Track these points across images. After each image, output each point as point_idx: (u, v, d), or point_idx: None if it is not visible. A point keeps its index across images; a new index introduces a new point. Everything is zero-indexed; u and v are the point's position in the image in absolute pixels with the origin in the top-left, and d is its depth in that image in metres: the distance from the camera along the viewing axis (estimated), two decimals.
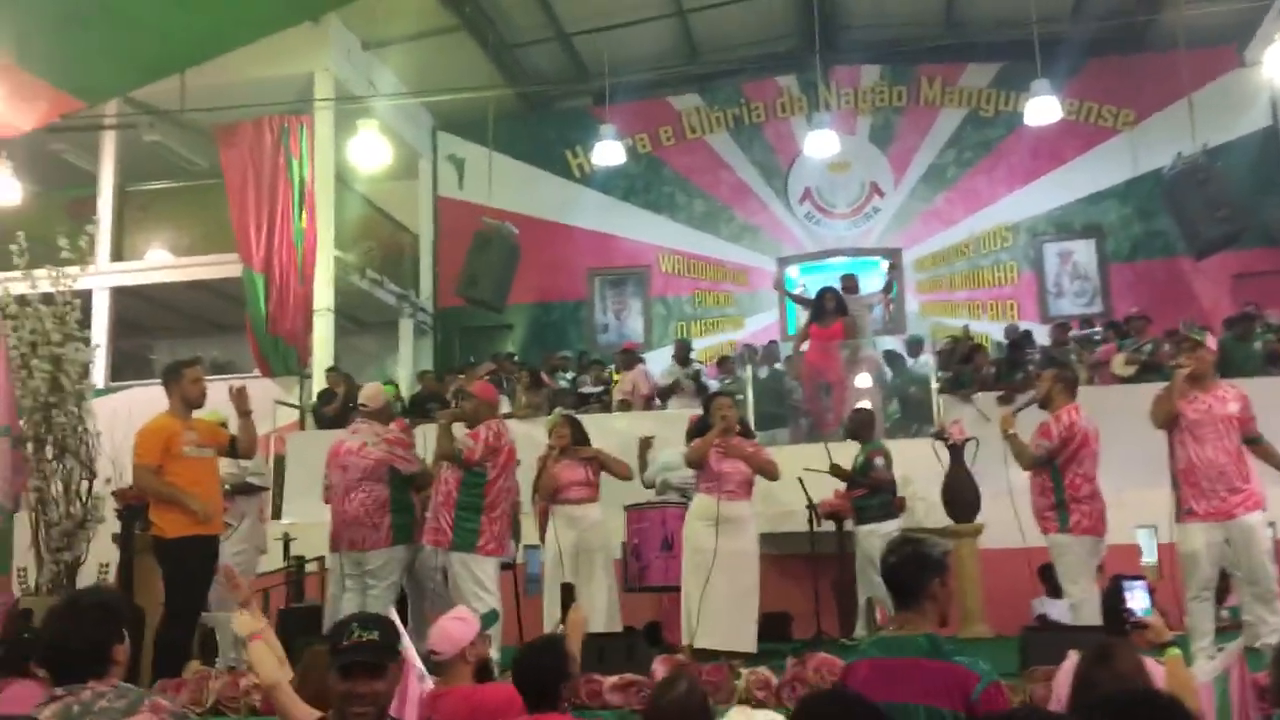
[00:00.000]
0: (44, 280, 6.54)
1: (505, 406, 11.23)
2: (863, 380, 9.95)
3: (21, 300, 6.48)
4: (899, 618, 3.05)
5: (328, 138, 12.48)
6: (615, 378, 12.23)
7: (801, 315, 15.01)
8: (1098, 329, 12.19)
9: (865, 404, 9.23)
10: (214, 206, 12.71)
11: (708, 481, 6.39)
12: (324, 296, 12.39)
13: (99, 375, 12.61)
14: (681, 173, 15.97)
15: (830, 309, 10.27)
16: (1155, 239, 14.60)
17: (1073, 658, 4.31)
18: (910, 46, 15.13)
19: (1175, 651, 3.26)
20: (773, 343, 14.00)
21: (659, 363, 13.90)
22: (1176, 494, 5.71)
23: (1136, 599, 3.59)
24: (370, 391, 6.84)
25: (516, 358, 14.32)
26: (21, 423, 5.91)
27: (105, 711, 2.63)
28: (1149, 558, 9.69)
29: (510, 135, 15.61)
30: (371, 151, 12.44)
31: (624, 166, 14.91)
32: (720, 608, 6.08)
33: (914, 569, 3.05)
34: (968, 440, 8.38)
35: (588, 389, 11.82)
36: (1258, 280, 13.72)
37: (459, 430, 6.24)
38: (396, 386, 10.35)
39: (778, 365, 12.40)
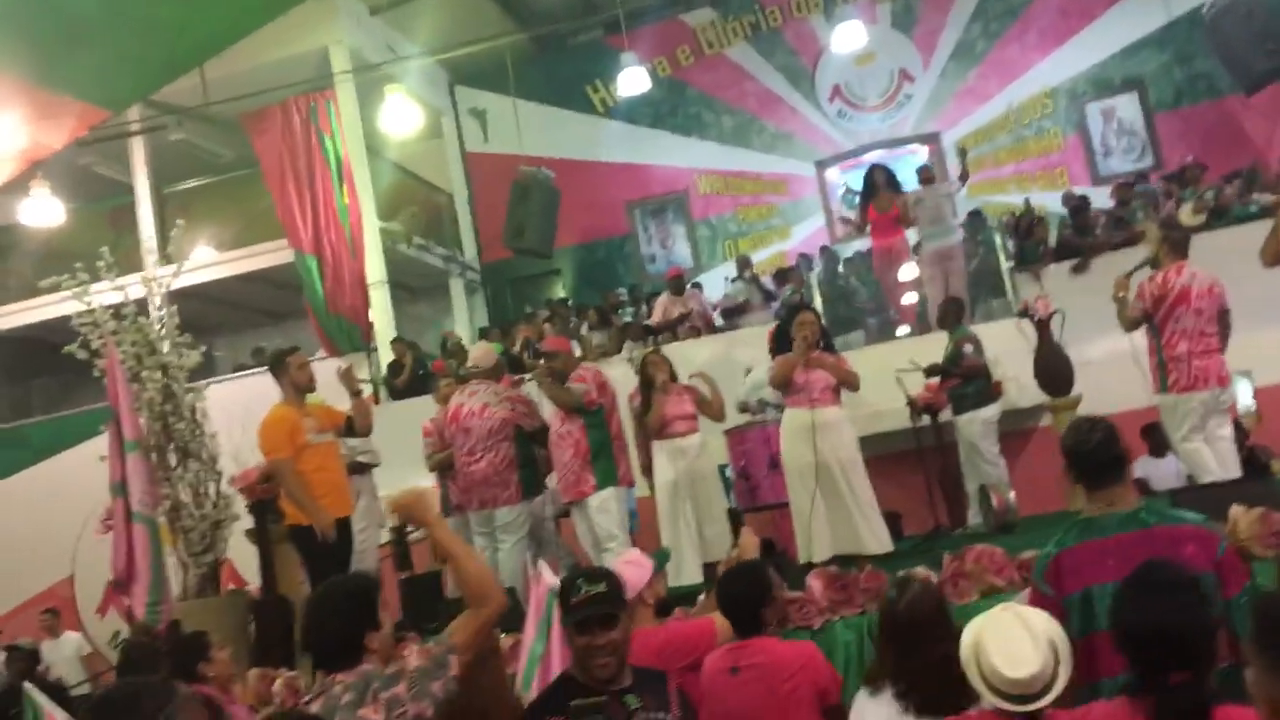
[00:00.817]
0: (135, 286, 6.56)
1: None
2: (944, 268, 9.77)
3: (116, 314, 6.50)
4: (1102, 496, 2.97)
5: (353, 110, 12.38)
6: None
7: (852, 214, 14.95)
8: (1154, 184, 11.89)
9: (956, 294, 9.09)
10: (253, 196, 12.69)
11: (794, 395, 6.29)
12: (376, 268, 12.39)
13: None
14: (706, 91, 15.72)
15: (882, 184, 10.10)
16: (1199, 82, 14.21)
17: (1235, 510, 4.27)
18: None
19: None
20: (825, 248, 13.84)
21: (713, 285, 13.83)
22: None
23: None
24: (480, 352, 6.91)
25: (570, 301, 14.31)
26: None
27: (347, 706, 2.65)
28: (1245, 401, 9.58)
29: (528, 80, 15.36)
30: (402, 116, 12.35)
31: (648, 93, 14.62)
32: (841, 515, 6.05)
33: (1114, 446, 2.98)
34: (1053, 313, 8.26)
35: (648, 322, 11.76)
36: None
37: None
38: (503, 346, 10.31)
39: (839, 269, 12.26)
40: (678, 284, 11.33)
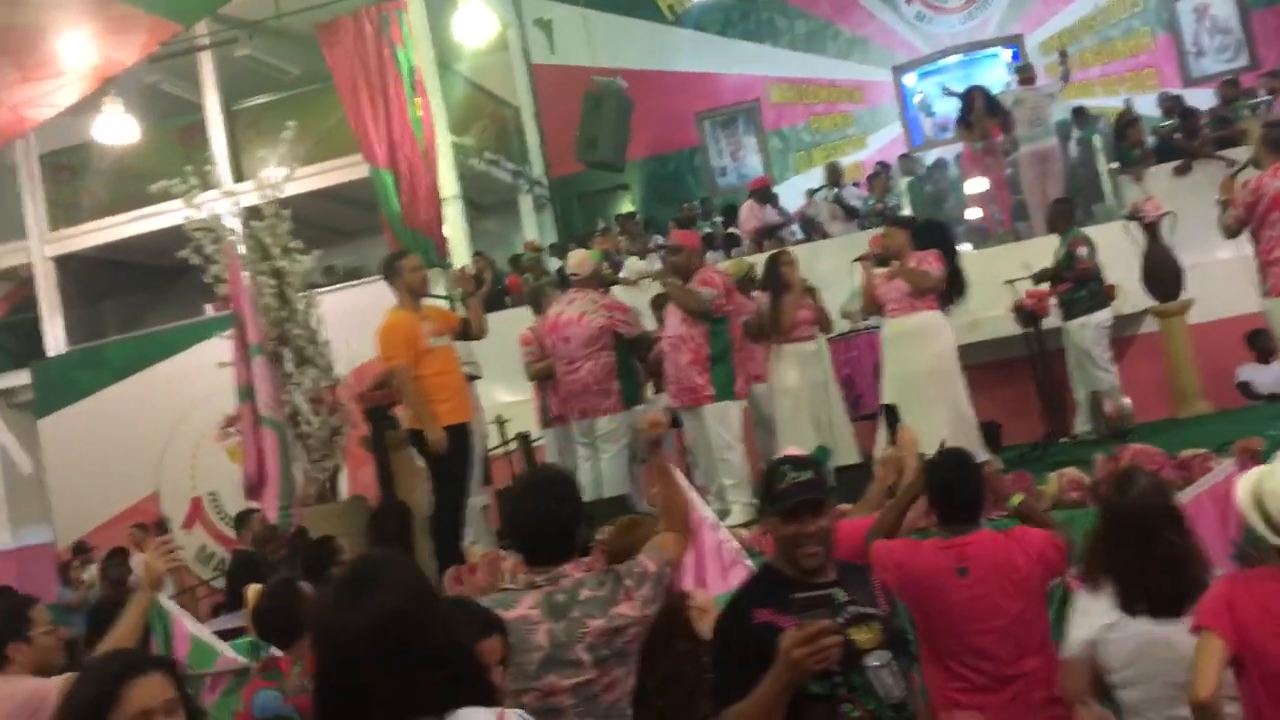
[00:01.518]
0: (250, 194, 6.46)
1: (639, 265, 11.09)
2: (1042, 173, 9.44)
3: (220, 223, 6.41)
4: None
5: (423, 20, 12.11)
6: None
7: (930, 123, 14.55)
8: (1262, 93, 11.31)
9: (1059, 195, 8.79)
10: (324, 111, 12.51)
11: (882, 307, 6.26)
12: (449, 183, 12.21)
13: None
14: None
15: (981, 108, 9.70)
16: None
17: None
18: None
19: None
20: (904, 156, 13.47)
21: (788, 197, 13.52)
22: None
23: None
24: (578, 259, 6.78)
25: (638, 216, 14.08)
26: None
27: (592, 601, 2.59)
28: None
29: None
30: (474, 25, 12.06)
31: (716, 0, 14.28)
32: (930, 426, 5.90)
33: None
34: (1164, 215, 7.95)
35: (733, 230, 11.54)
36: None
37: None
38: (602, 253, 10.20)
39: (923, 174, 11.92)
40: (764, 192, 11.08)
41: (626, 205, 15.46)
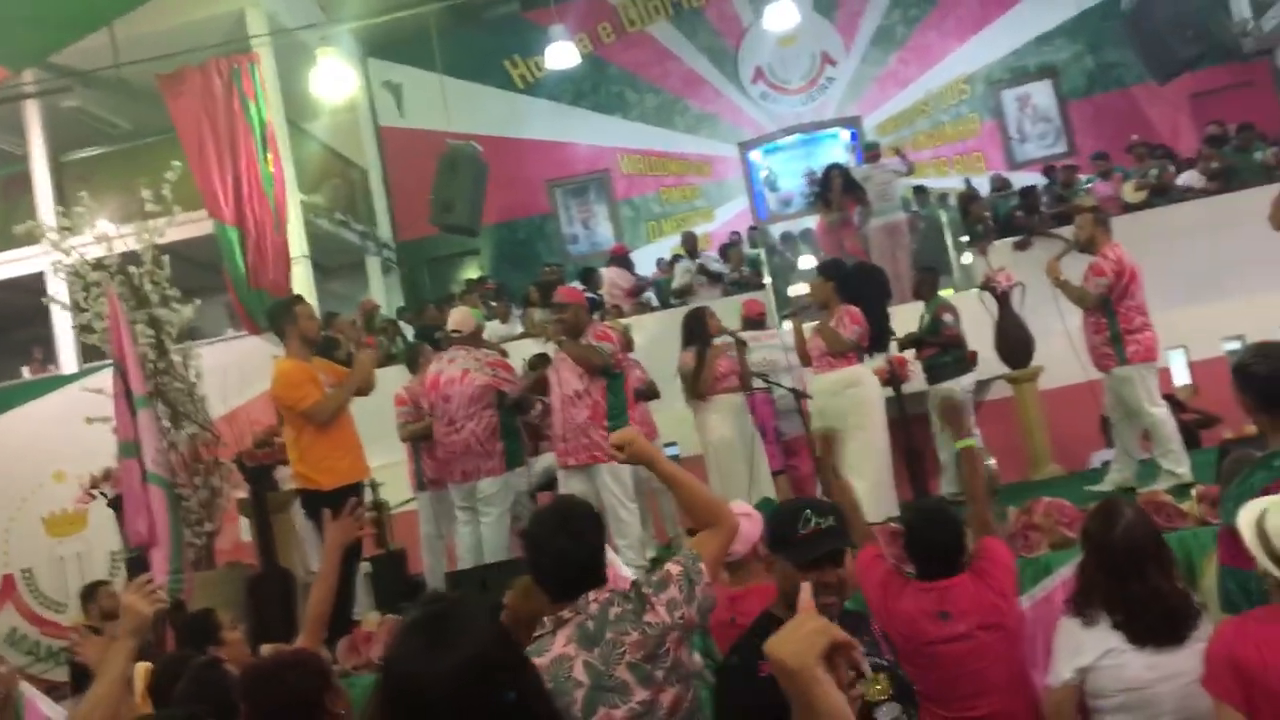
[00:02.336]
0: (128, 238, 6.00)
1: (500, 329, 10.95)
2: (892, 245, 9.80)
3: (98, 265, 5.93)
4: None
5: (273, 75, 11.78)
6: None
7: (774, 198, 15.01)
8: (1093, 175, 12.11)
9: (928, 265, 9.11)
10: (161, 166, 11.92)
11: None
12: (298, 243, 11.83)
13: (69, 356, 11.99)
14: (628, 69, 15.53)
15: (838, 187, 10.04)
16: (1109, 71, 14.66)
17: None
18: None
19: None
20: (753, 228, 13.82)
21: (643, 264, 13.64)
22: None
23: None
24: (460, 316, 6.55)
25: (490, 281, 13.94)
26: None
27: (623, 618, 2.48)
28: (1182, 379, 9.88)
29: (443, 52, 14.91)
30: (332, 82, 11.78)
31: (569, 71, 14.41)
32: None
33: None
34: (1015, 286, 8.33)
35: (591, 295, 11.51)
36: (1215, 97, 13.88)
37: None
38: (483, 313, 9.97)
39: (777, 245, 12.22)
40: (625, 259, 11.11)
41: (475, 270, 15.29)
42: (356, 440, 5.22)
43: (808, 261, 11.89)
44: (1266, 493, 2.71)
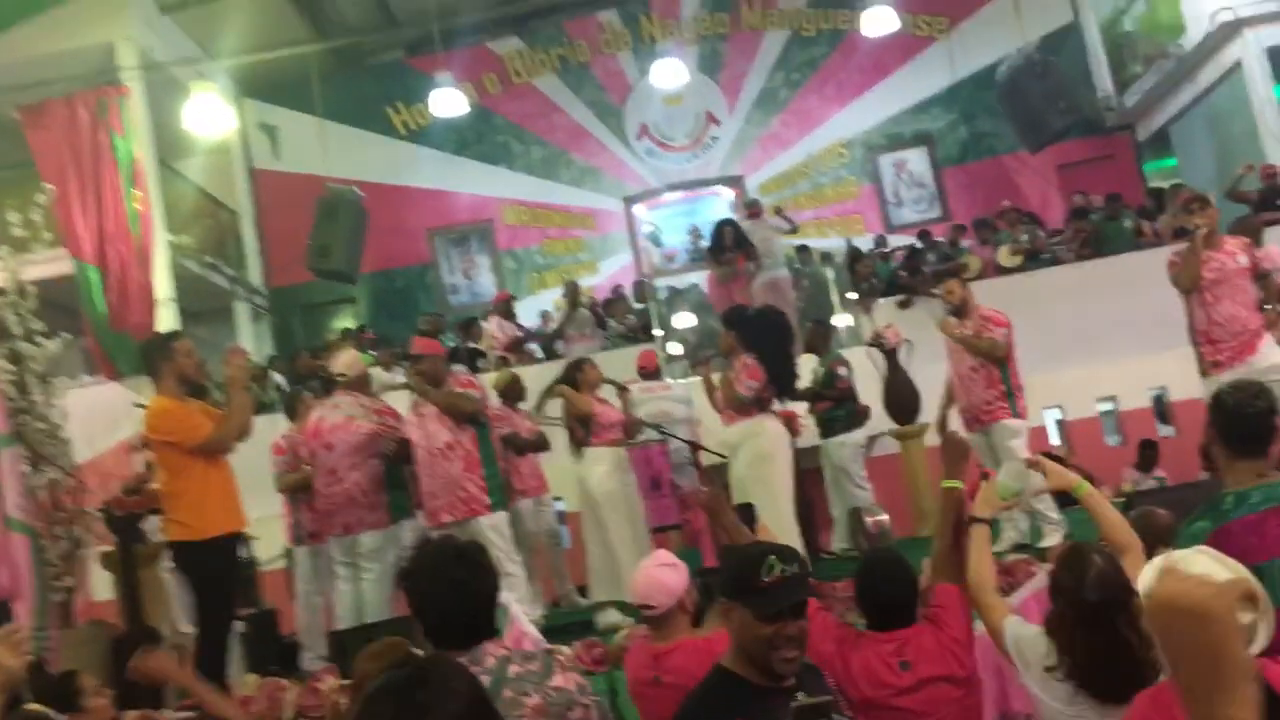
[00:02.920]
0: None
1: (384, 376, 10.56)
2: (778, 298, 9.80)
3: None
4: (1253, 467, 2.78)
5: (143, 110, 11.26)
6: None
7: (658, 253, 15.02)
8: (967, 242, 12.45)
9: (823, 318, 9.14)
10: (23, 199, 11.26)
11: None
12: (163, 285, 11.26)
13: None
14: (514, 120, 15.42)
15: (729, 243, 10.01)
16: (981, 141, 15.19)
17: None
18: None
19: None
20: (639, 281, 13.76)
21: (525, 316, 13.42)
22: (1199, 351, 5.82)
23: None
24: (347, 360, 6.19)
25: (368, 331, 13.52)
26: None
27: (524, 678, 2.23)
28: (1056, 438, 10.14)
29: (324, 96, 14.57)
30: (206, 119, 11.29)
31: (453, 120, 14.23)
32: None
33: (1272, 417, 2.80)
34: (902, 343, 8.41)
35: (472, 345, 11.24)
36: (1081, 169, 14.50)
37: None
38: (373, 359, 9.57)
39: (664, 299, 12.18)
40: (507, 307, 10.87)
41: (351, 319, 14.84)
42: (235, 488, 4.85)
43: (684, 320, 11.88)
44: (1214, 541, 2.66)
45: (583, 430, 6.39)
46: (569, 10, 15.60)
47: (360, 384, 6.23)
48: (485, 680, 2.18)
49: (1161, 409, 10.10)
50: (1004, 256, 10.58)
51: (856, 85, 15.31)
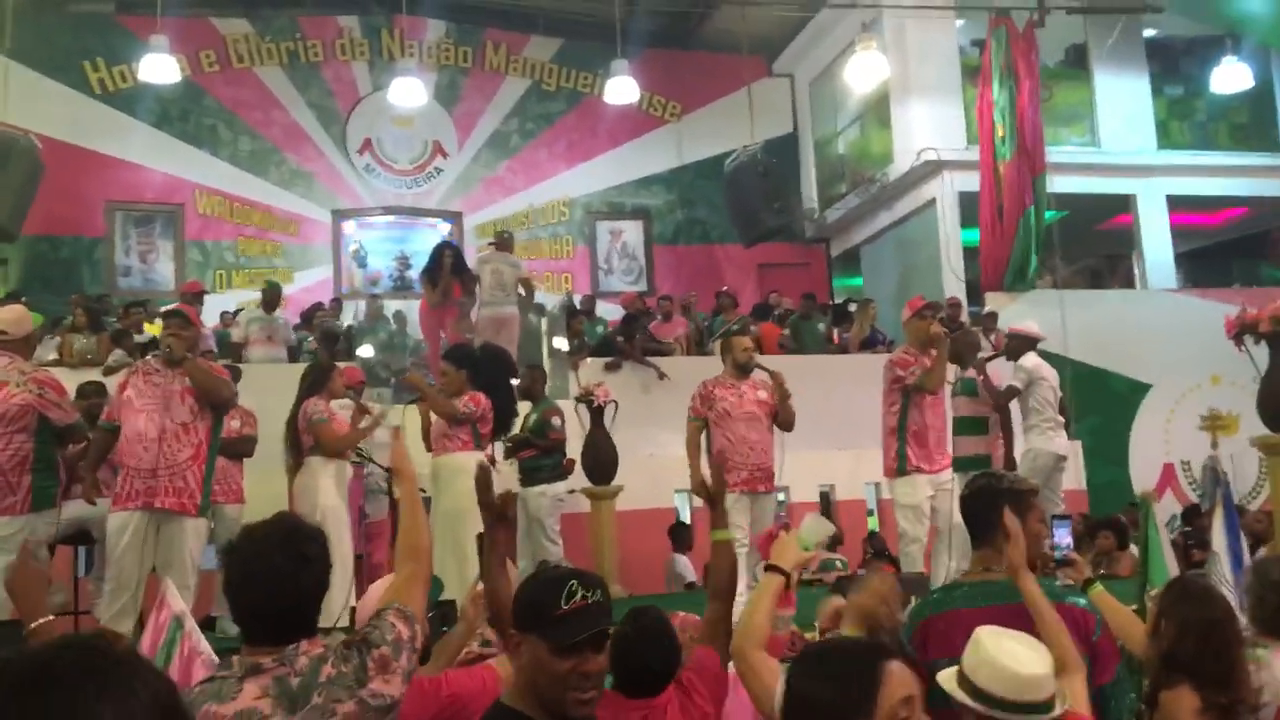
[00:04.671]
0: None
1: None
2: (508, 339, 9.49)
3: None
4: (980, 558, 2.83)
5: None
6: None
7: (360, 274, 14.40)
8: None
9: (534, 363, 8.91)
10: None
11: None
12: None
13: None
14: (226, 105, 14.35)
15: (448, 267, 9.64)
16: (695, 226, 15.75)
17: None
18: (477, 6, 14.97)
19: (1098, 587, 3.38)
20: (336, 300, 13.08)
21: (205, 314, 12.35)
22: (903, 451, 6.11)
23: (1060, 538, 3.72)
24: (11, 316, 5.34)
25: (24, 298, 11.94)
26: None
27: (336, 681, 1.94)
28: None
29: (13, 33, 12.92)
30: None
31: (159, 88, 13.05)
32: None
33: (987, 502, 2.82)
34: (610, 402, 8.38)
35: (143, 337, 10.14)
36: (778, 270, 15.32)
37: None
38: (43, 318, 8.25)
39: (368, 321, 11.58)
40: (197, 299, 9.88)
41: None
42: None
43: (365, 351, 11.25)
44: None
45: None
46: (308, 6, 14.81)
47: (22, 346, 5.38)
48: (293, 682, 1.92)
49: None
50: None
51: (587, 148, 15.47)
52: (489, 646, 3.18)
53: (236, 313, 11.64)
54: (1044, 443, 7.20)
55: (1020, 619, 2.57)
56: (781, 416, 6.34)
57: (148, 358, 5.56)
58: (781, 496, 6.59)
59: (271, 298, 10.20)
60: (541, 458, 7.40)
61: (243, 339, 10.14)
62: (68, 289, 12.81)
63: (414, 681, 2.67)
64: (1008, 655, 2.24)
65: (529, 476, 7.47)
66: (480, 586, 3.28)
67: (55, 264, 13.54)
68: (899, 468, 6.20)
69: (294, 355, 10.20)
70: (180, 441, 5.03)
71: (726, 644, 2.79)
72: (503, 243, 10.08)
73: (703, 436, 6.51)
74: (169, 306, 5.80)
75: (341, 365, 7.30)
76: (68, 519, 5.84)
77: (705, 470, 6.21)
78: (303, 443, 6.03)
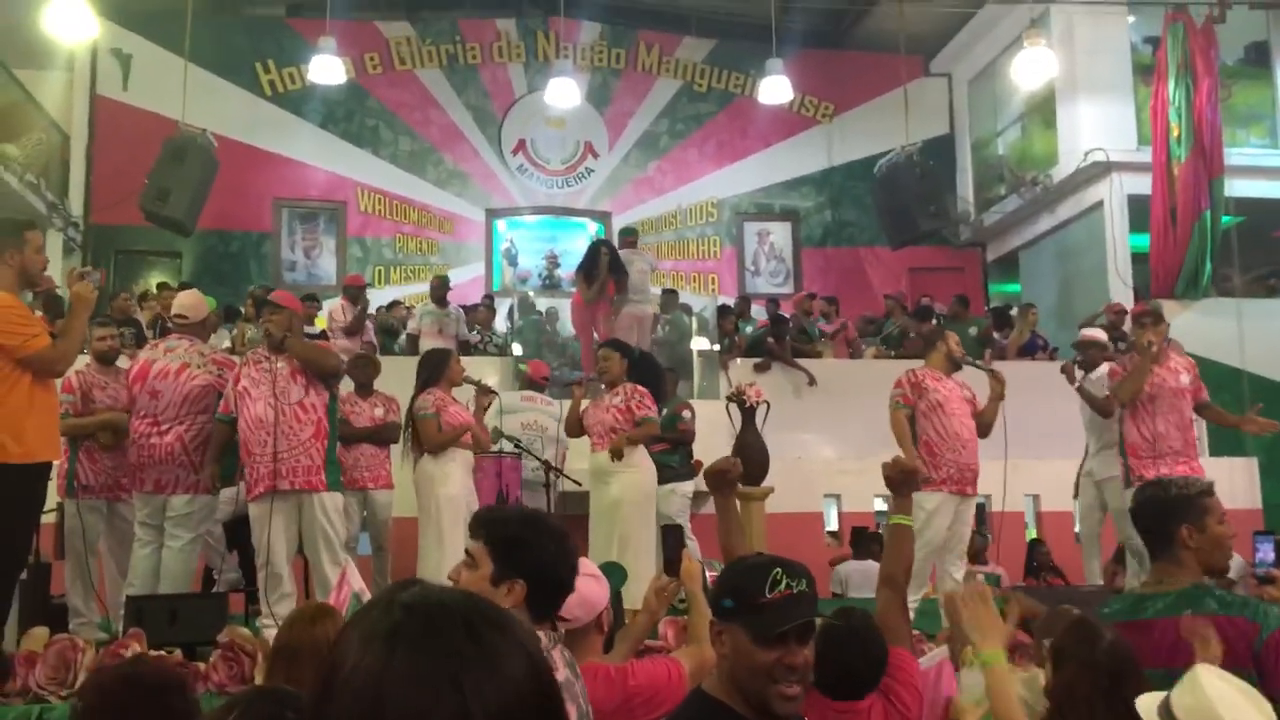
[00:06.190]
0: None
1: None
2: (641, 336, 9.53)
3: None
4: (1155, 570, 2.71)
5: None
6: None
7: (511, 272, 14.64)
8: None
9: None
10: None
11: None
12: None
13: None
14: (388, 106, 14.77)
15: (605, 265, 9.68)
16: (844, 228, 15.50)
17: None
18: (631, 8, 15.06)
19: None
20: (488, 296, 13.31)
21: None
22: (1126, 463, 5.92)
23: (1264, 553, 3.51)
24: (189, 301, 5.57)
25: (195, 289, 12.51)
26: None
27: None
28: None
29: (193, 36, 13.57)
30: (63, 29, 10.27)
31: (324, 91, 13.55)
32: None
33: (1156, 513, 2.73)
34: (761, 402, 8.28)
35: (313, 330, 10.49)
36: (929, 275, 14.95)
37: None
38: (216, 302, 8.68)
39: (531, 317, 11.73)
40: (359, 292, 10.20)
41: (171, 275, 13.75)
42: (57, 416, 4.16)
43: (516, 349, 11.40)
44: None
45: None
46: (466, 9, 15.14)
47: (200, 330, 5.61)
48: None
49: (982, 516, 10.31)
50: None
51: (737, 149, 15.40)
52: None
53: (391, 306, 11.96)
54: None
55: (1170, 633, 2.50)
56: (985, 418, 6.02)
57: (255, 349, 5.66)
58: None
59: (439, 292, 10.47)
60: (669, 453, 7.29)
61: (416, 330, 10.42)
62: (236, 282, 13.44)
63: (599, 669, 2.65)
64: (1226, 704, 2.09)
65: (659, 473, 7.40)
66: (664, 578, 3.25)
67: (225, 258, 14.16)
68: (1124, 480, 6.01)
69: (465, 349, 10.41)
70: (300, 421, 5.08)
71: (909, 636, 2.71)
72: (631, 241, 10.14)
73: None
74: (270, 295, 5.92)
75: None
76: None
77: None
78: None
